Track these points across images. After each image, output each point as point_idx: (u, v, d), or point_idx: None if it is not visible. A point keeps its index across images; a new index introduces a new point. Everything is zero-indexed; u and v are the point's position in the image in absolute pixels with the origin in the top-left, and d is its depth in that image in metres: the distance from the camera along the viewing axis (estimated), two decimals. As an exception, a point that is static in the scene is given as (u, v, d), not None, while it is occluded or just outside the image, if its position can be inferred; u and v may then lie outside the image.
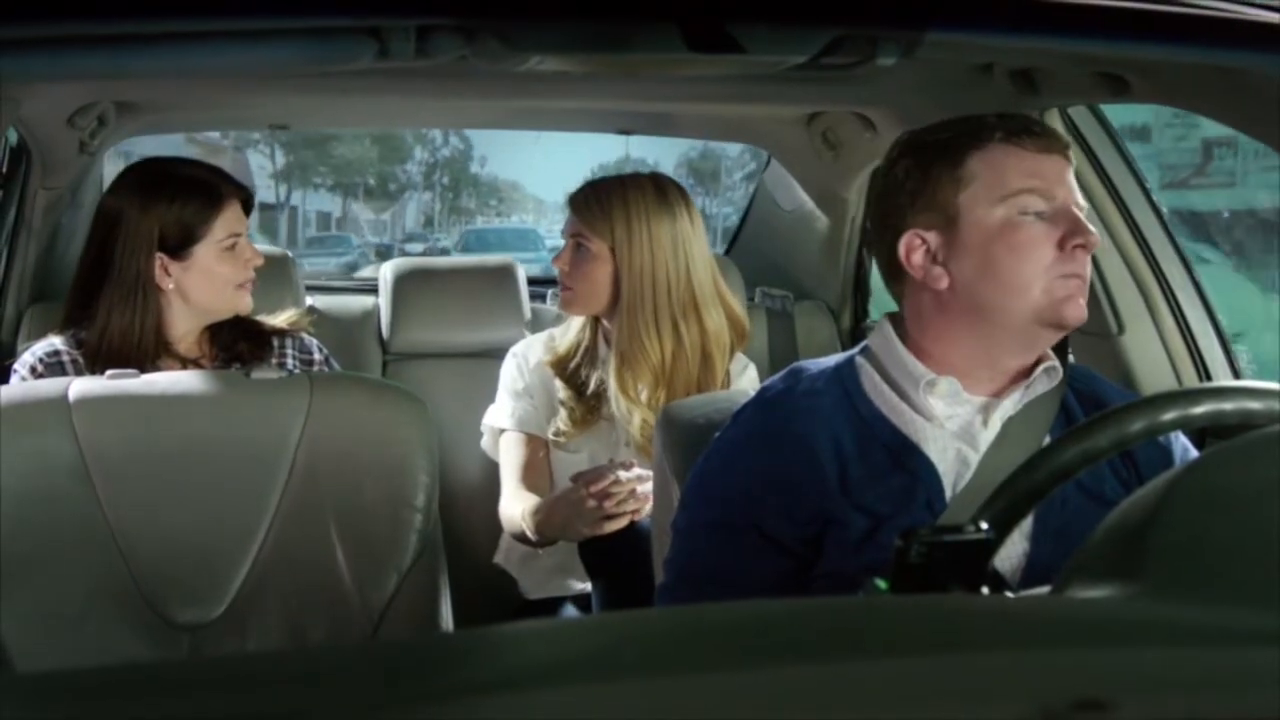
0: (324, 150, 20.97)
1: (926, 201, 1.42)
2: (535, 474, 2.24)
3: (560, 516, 2.07)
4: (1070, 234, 1.36)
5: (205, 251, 2.01)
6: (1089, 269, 1.40)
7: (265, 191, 20.01)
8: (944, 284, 1.41)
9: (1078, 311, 1.37)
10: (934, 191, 1.41)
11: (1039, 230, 1.37)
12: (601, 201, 2.18)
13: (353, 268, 17.31)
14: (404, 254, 18.49)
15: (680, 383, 2.15)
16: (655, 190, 2.19)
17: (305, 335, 2.19)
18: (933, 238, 1.41)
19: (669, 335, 2.15)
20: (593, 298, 2.19)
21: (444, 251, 19.47)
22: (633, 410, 2.15)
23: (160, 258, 1.99)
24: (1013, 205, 1.37)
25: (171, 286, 2.01)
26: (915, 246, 1.42)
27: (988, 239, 1.38)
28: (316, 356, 2.18)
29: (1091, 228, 1.38)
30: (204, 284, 2.02)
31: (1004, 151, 1.39)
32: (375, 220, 23.14)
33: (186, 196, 2.02)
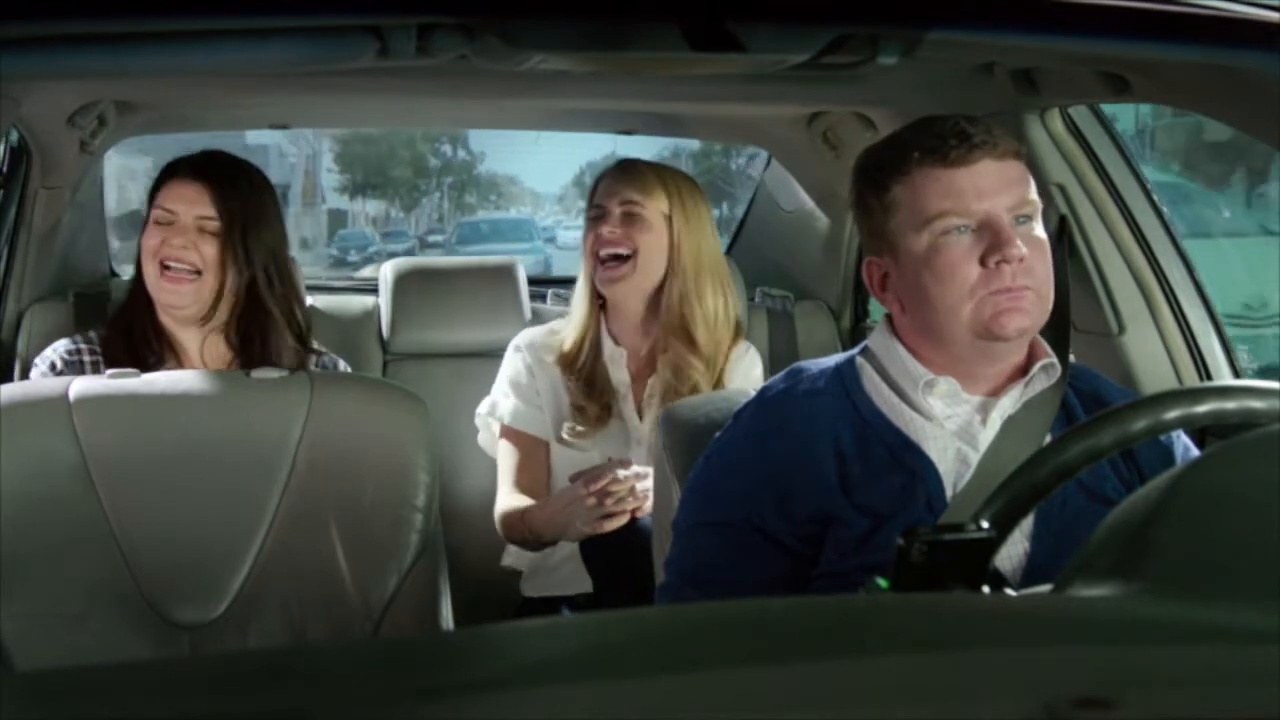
0: (379, 170, 27.02)
1: (870, 230, 1.45)
2: (532, 474, 2.22)
3: (561, 516, 2.06)
4: (990, 250, 1.35)
5: (151, 215, 1.96)
6: (1039, 274, 1.37)
7: (335, 200, 27.10)
8: (897, 309, 1.44)
9: (1015, 322, 1.35)
10: (872, 220, 1.43)
11: (961, 250, 1.36)
12: (652, 171, 2.22)
13: (410, 251, 20.16)
14: (427, 244, 22.18)
15: (720, 350, 2.20)
16: (685, 176, 2.27)
17: (329, 355, 2.15)
18: (884, 264, 1.43)
19: (712, 306, 2.18)
20: (650, 267, 2.17)
21: (443, 243, 22.08)
22: (690, 368, 2.15)
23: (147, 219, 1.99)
24: (934, 229, 1.37)
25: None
26: (874, 273, 1.45)
27: (917, 266, 1.38)
28: (344, 368, 2.17)
29: (1016, 240, 1.35)
30: (142, 256, 1.97)
31: (922, 175, 1.38)
32: (402, 219, 28.58)
33: (177, 164, 1.99)
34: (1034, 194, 1.40)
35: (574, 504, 2.02)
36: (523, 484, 2.20)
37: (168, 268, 1.94)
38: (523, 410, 2.23)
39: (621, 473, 2.01)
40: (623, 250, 2.15)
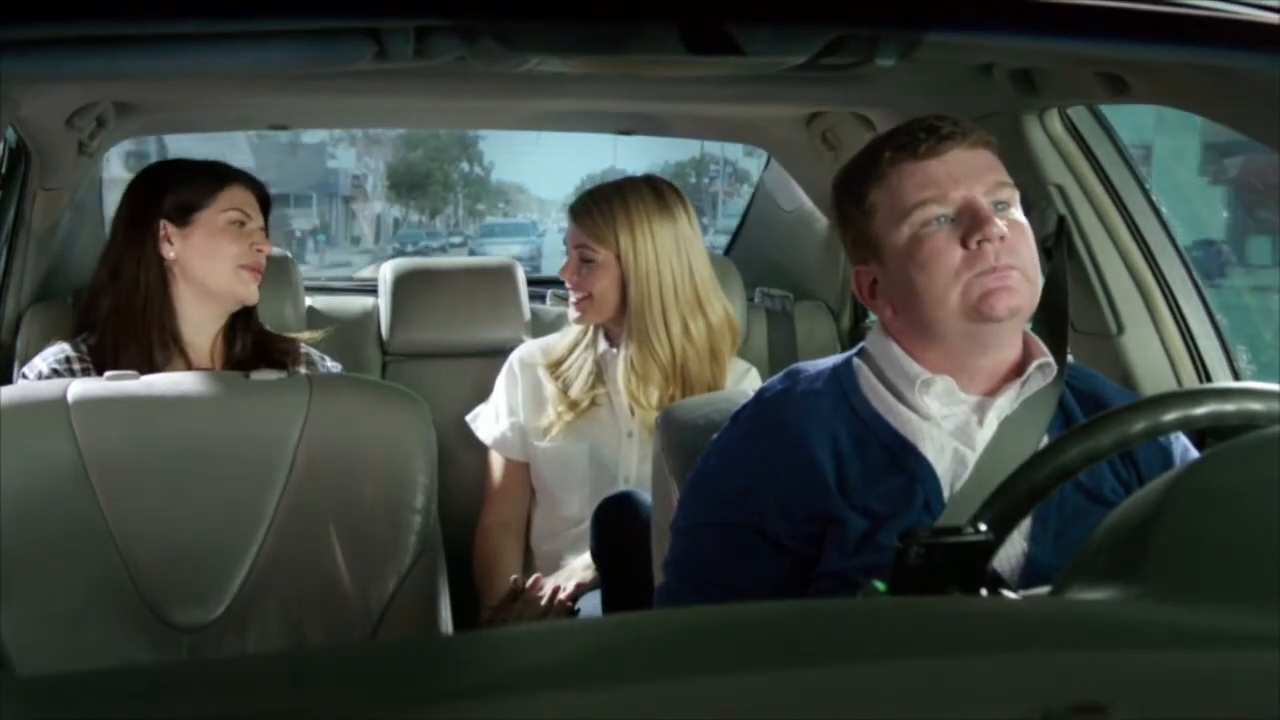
0: (418, 186, 34.70)
1: (854, 239, 1.46)
2: (512, 497, 2.34)
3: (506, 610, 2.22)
4: (970, 232, 1.36)
5: (207, 220, 2.02)
6: (1024, 255, 1.38)
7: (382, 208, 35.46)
8: (888, 312, 1.44)
9: (1004, 301, 1.36)
10: (855, 228, 1.45)
11: (943, 238, 1.37)
12: (603, 210, 2.22)
13: (443, 248, 27.26)
14: (451, 246, 28.90)
15: (695, 380, 2.21)
16: (653, 194, 2.24)
17: (326, 359, 2.19)
18: (871, 270, 1.45)
19: (679, 335, 2.20)
20: (604, 306, 2.23)
21: (465, 241, 29.83)
22: (638, 413, 2.19)
23: (164, 225, 2.02)
24: (914, 221, 1.38)
25: (173, 256, 2.01)
26: (862, 281, 1.47)
27: (902, 261, 1.39)
28: (332, 367, 2.20)
29: (996, 220, 1.36)
30: (205, 258, 2.02)
31: (895, 172, 1.39)
32: (427, 223, 35.63)
33: (192, 174, 2.06)
34: (1008, 179, 1.42)
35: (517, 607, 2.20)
36: (504, 506, 2.34)
37: (247, 266, 2.04)
38: (502, 431, 2.33)
39: (545, 591, 2.18)
40: (579, 295, 2.25)
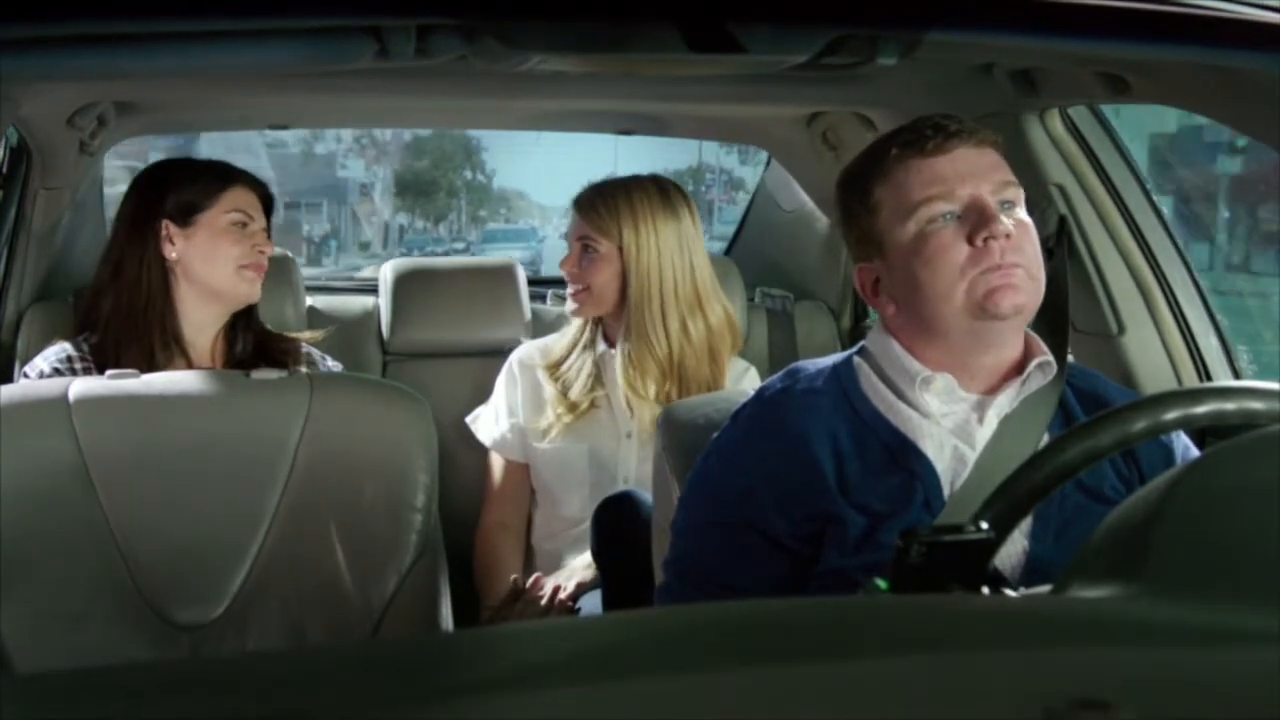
0: (423, 193, 35.88)
1: (856, 236, 1.46)
2: (512, 497, 2.35)
3: (508, 609, 2.22)
4: (976, 229, 1.36)
5: (210, 221, 2.02)
6: (1028, 253, 1.38)
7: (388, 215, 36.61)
8: (891, 310, 1.44)
9: (1009, 299, 1.36)
10: (859, 225, 1.45)
11: (949, 234, 1.37)
12: (607, 203, 2.22)
13: (448, 252, 27.20)
14: (454, 251, 27.98)
15: (691, 380, 2.21)
16: (658, 191, 2.25)
17: (326, 359, 2.20)
18: (874, 267, 1.45)
19: (677, 332, 2.20)
20: (603, 299, 2.23)
21: (468, 246, 30.29)
22: (640, 406, 2.19)
23: (166, 225, 2.02)
24: (919, 218, 1.38)
25: (175, 256, 2.02)
26: (865, 279, 1.47)
27: (906, 257, 1.39)
28: (333, 367, 2.21)
29: (1002, 217, 1.36)
30: (206, 259, 2.02)
31: (902, 168, 1.40)
32: (431, 228, 36.94)
33: (196, 174, 2.06)
34: (1014, 179, 1.42)
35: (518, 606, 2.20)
36: (505, 505, 2.34)
37: (249, 267, 2.05)
38: (501, 432, 2.34)
39: (545, 590, 2.18)
40: (578, 286, 2.25)
